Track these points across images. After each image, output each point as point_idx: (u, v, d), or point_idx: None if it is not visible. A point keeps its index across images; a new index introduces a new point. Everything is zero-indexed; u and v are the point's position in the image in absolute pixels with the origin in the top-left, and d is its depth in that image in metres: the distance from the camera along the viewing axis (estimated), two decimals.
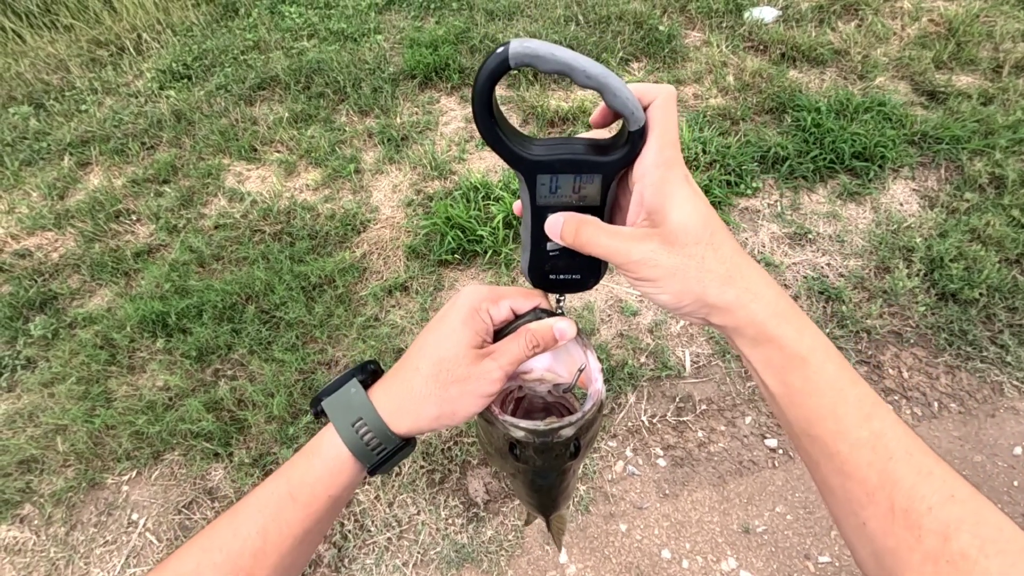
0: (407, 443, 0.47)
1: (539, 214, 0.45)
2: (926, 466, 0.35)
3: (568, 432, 0.45)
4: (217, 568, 0.43)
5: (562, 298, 0.51)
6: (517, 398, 0.51)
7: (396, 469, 1.85)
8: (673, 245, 0.40)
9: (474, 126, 2.51)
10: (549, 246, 0.46)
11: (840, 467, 0.37)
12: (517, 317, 0.49)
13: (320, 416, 0.47)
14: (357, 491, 1.81)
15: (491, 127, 0.41)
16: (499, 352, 0.46)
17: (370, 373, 0.49)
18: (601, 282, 2.23)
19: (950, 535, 0.33)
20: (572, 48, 0.41)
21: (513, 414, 0.48)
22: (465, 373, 0.45)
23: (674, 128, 0.41)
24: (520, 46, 0.38)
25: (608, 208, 0.45)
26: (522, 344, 0.46)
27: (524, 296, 0.49)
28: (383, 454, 0.46)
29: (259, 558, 0.43)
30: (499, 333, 0.49)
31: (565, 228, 0.43)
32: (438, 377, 0.45)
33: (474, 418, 0.48)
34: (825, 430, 0.38)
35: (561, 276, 0.48)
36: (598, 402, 0.46)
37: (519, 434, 0.45)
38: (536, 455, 0.46)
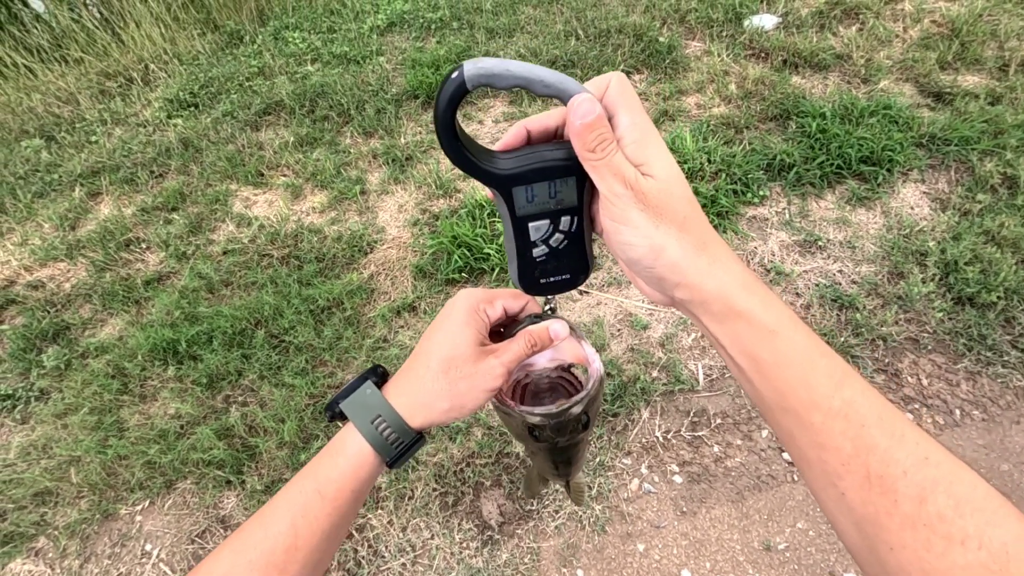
0: (421, 436, 0.51)
1: (520, 224, 0.45)
2: (898, 430, 0.36)
3: (577, 409, 0.50)
4: (251, 565, 0.45)
5: (552, 298, 0.54)
6: (524, 384, 0.56)
7: (409, 492, 1.83)
8: (659, 203, 0.40)
9: (478, 139, 2.49)
10: (535, 252, 0.47)
11: (815, 439, 0.37)
12: (514, 320, 0.54)
13: (335, 419, 0.52)
14: (370, 516, 1.80)
15: (459, 151, 0.41)
16: (502, 351, 0.50)
17: (380, 375, 0.54)
18: (611, 296, 2.22)
19: (926, 497, 0.33)
20: (557, 64, 0.42)
21: (522, 398, 0.54)
22: (472, 370, 0.49)
23: (638, 102, 0.41)
24: (474, 67, 0.38)
25: (586, 207, 0.45)
26: (523, 344, 0.51)
27: (514, 296, 0.54)
28: (401, 447, 0.50)
29: (291, 553, 0.46)
30: (494, 333, 0.54)
31: (589, 138, 0.40)
32: (448, 374, 0.49)
33: (480, 410, 0.52)
34: (798, 401, 0.37)
35: (551, 279, 0.49)
36: (599, 379, 0.51)
37: (535, 419, 0.50)
38: (553, 433, 0.52)
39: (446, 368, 0.49)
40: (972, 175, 2.47)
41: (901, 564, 0.34)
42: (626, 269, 0.45)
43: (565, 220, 0.45)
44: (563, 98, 0.40)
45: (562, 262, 0.48)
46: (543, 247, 0.47)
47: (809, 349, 0.38)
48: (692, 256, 0.40)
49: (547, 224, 0.46)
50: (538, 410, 0.50)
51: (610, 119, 0.40)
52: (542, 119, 0.44)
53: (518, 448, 1.88)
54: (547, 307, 0.56)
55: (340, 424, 0.51)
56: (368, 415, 0.50)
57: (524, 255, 0.47)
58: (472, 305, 0.52)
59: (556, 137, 0.45)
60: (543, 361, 0.54)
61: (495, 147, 0.44)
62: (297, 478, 0.49)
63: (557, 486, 0.81)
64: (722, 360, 1.97)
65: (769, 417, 0.40)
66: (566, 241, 0.47)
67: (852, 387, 0.37)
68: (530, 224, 0.45)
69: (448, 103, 0.39)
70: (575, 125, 0.39)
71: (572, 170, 0.43)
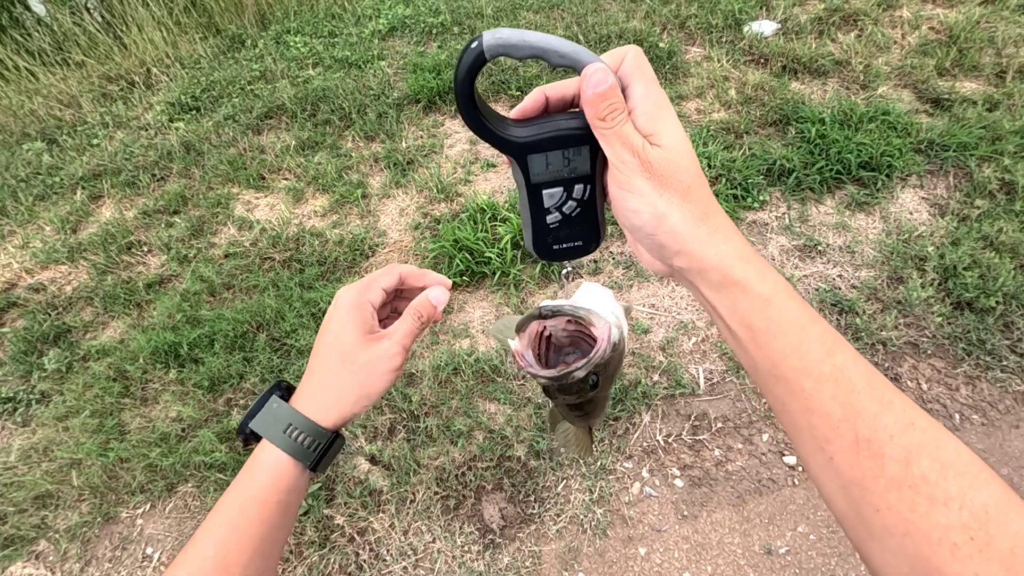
0: (338, 435, 0.53)
1: (535, 192, 0.47)
2: (887, 396, 0.37)
3: (579, 374, 0.51)
4: None
5: (569, 265, 0.56)
6: (546, 337, 0.57)
7: (410, 496, 1.83)
8: (665, 172, 0.41)
9: (479, 144, 2.50)
10: (549, 219, 0.49)
11: (806, 404, 0.38)
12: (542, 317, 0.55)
13: (250, 440, 0.53)
14: (371, 520, 1.80)
15: (477, 119, 0.43)
16: (392, 330, 0.53)
17: (285, 389, 0.55)
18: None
19: (911, 460, 0.34)
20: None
21: (546, 351, 0.56)
22: (368, 357, 0.52)
23: (653, 75, 0.42)
24: (492, 38, 0.39)
25: (599, 176, 0.47)
26: (411, 320, 0.54)
27: (386, 274, 0.56)
28: (319, 449, 0.51)
29: (224, 572, 0.47)
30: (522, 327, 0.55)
31: (601, 107, 0.41)
32: (345, 367, 0.52)
33: (389, 390, 0.53)
34: (790, 368, 0.38)
35: (564, 245, 0.51)
36: (606, 347, 0.52)
37: (542, 381, 0.53)
38: (561, 393, 0.55)
39: (342, 362, 0.51)
40: (970, 180, 2.49)
41: (886, 525, 0.35)
42: (630, 237, 0.47)
43: (578, 188, 0.47)
44: (577, 68, 0.41)
45: (575, 229, 0.49)
46: (556, 214, 0.48)
47: (801, 318, 0.39)
48: (693, 225, 0.41)
49: (561, 192, 0.47)
50: (542, 372, 0.52)
51: (624, 90, 0.42)
52: (560, 87, 0.45)
53: (520, 452, 1.88)
54: (564, 272, 0.58)
55: (254, 445, 0.52)
56: (279, 426, 0.51)
57: (538, 221, 0.49)
58: (350, 299, 0.54)
59: (572, 106, 0.46)
60: (555, 321, 0.56)
61: (513, 113, 0.45)
62: (223, 498, 0.50)
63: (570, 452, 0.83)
64: (722, 364, 1.98)
65: (763, 385, 0.41)
66: (579, 209, 0.48)
67: (843, 354, 0.38)
68: (544, 191, 0.47)
69: (467, 72, 0.40)
70: (587, 94, 0.41)
71: (586, 139, 0.44)
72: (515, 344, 0.54)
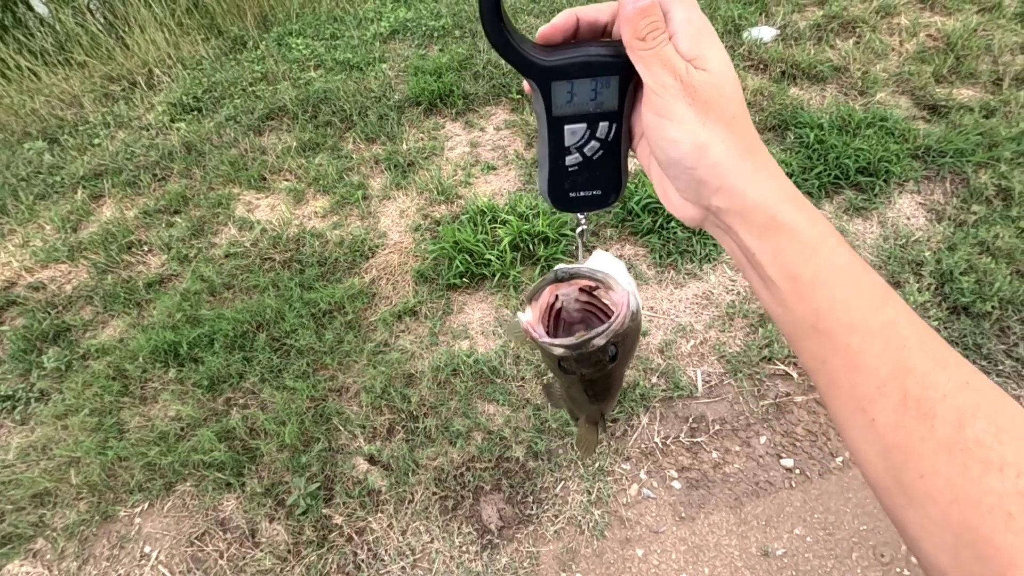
0: None
1: (556, 127, 0.43)
2: (940, 353, 0.34)
3: (599, 341, 0.47)
4: None
5: (584, 217, 0.52)
6: (556, 310, 0.54)
7: (409, 496, 1.83)
8: (709, 99, 0.37)
9: (479, 146, 2.50)
10: (568, 160, 0.45)
11: (850, 361, 0.35)
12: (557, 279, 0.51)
13: None
14: (370, 520, 1.80)
15: (503, 36, 0.39)
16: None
17: None
18: None
19: (965, 422, 0.32)
20: None
21: (555, 327, 0.53)
22: None
23: (694, 0, 0.39)
24: None
25: (626, 116, 0.43)
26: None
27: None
28: None
29: None
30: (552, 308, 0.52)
31: (641, 24, 0.38)
32: None
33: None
34: (836, 323, 0.35)
35: (581, 193, 0.47)
36: (625, 315, 0.48)
37: (558, 351, 0.48)
38: (578, 365, 0.50)
39: None
40: (967, 186, 2.51)
41: (930, 492, 0.32)
42: (659, 179, 0.43)
43: (603, 126, 0.44)
44: None
45: (595, 175, 0.46)
46: (577, 155, 0.45)
47: (852, 267, 0.36)
48: (737, 159, 0.37)
49: (584, 128, 0.44)
50: (558, 341, 0.49)
51: (664, 15, 0.38)
52: (593, 11, 0.41)
53: (519, 452, 1.89)
54: (578, 228, 0.54)
55: None
56: None
57: (556, 162, 0.45)
58: None
59: (604, 35, 0.43)
60: (569, 289, 0.53)
61: (540, 32, 0.42)
62: None
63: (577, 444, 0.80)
64: (720, 367, 1.98)
65: (799, 340, 0.38)
66: (601, 151, 0.45)
67: (894, 308, 0.35)
68: (566, 127, 0.44)
69: None
70: (627, 9, 0.37)
71: (617, 69, 0.41)
72: (526, 316, 0.51)
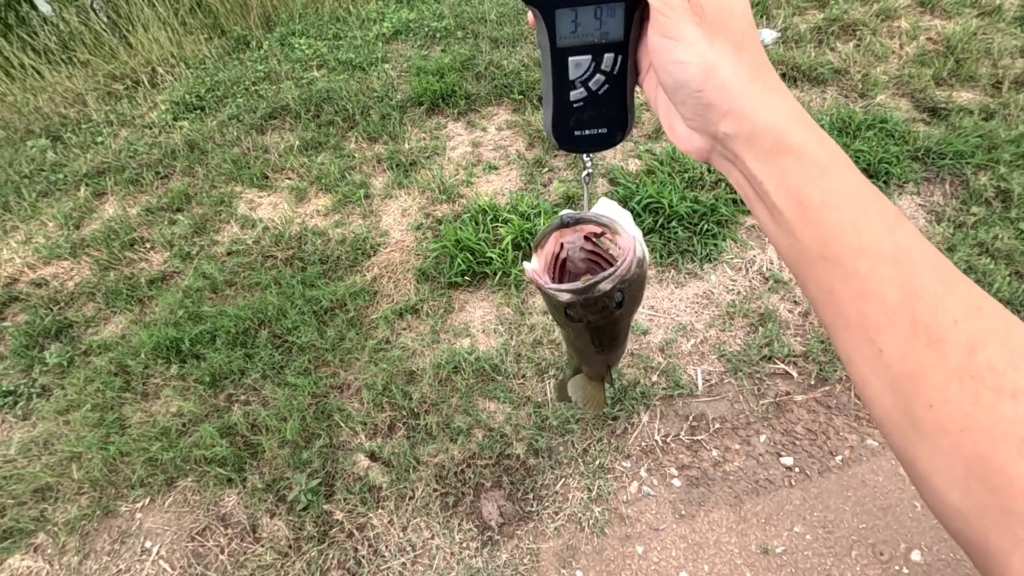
0: None
1: (560, 58, 0.43)
2: (951, 278, 0.32)
3: (606, 286, 0.47)
4: None
5: (590, 158, 0.51)
6: (562, 260, 0.54)
7: (409, 492, 1.84)
8: (718, 18, 0.36)
9: (481, 146, 2.51)
10: (573, 95, 0.44)
11: (858, 289, 0.34)
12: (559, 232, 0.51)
13: None
14: (371, 516, 1.81)
15: None
16: None
17: None
18: None
19: (976, 348, 0.30)
20: None
21: (560, 278, 0.52)
22: None
23: None
24: None
25: (632, 48, 0.42)
26: None
27: None
28: None
29: None
30: (558, 259, 0.52)
31: None
32: None
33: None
34: (844, 248, 0.34)
35: (587, 131, 0.46)
36: (631, 260, 0.48)
37: (565, 297, 0.48)
38: (584, 310, 0.49)
39: None
40: (967, 188, 2.52)
41: (940, 422, 0.31)
42: (665, 110, 0.42)
43: (608, 58, 0.42)
44: None
45: (600, 111, 0.45)
46: (582, 89, 0.44)
47: (862, 190, 0.35)
48: (746, 80, 0.36)
49: (589, 61, 0.43)
50: (565, 286, 0.48)
51: None
52: None
53: (519, 450, 1.89)
54: (584, 174, 0.53)
55: None
56: None
57: (561, 97, 0.44)
58: None
59: None
60: (575, 237, 0.52)
61: None
62: None
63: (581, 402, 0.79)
64: (720, 366, 1.99)
65: (806, 271, 0.37)
66: (607, 85, 0.44)
67: (905, 232, 0.34)
68: (571, 58, 0.43)
69: None
70: None
71: None
72: (531, 264, 0.50)
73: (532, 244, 0.52)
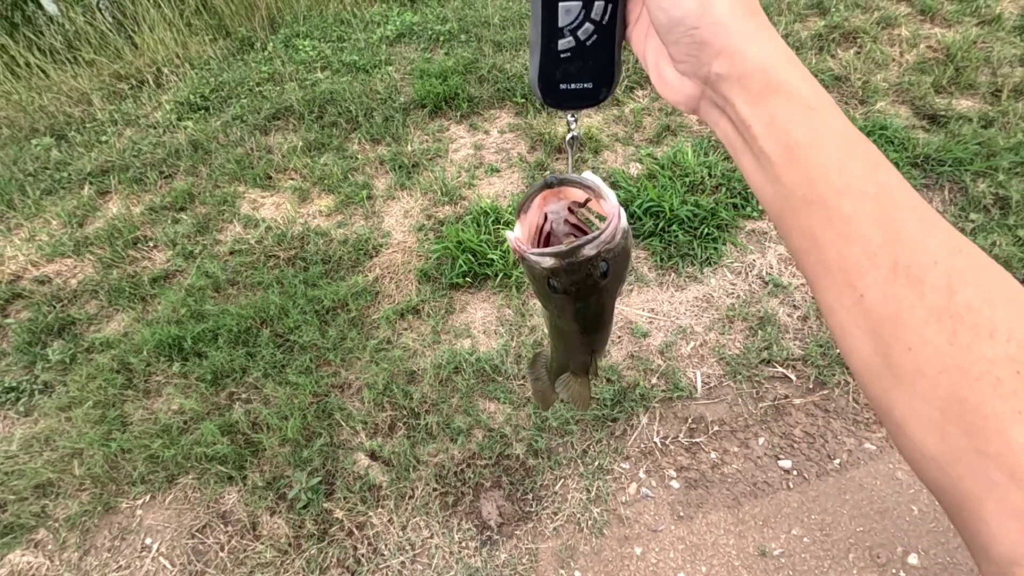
0: None
1: (550, 4, 0.42)
2: (932, 221, 0.33)
3: (589, 251, 0.46)
4: None
5: (575, 117, 0.51)
6: (546, 234, 0.53)
7: (409, 492, 1.85)
8: None
9: (483, 149, 2.53)
10: (561, 44, 0.44)
11: (841, 231, 0.33)
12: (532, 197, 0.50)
13: None
14: (370, 514, 1.81)
15: None
16: None
17: None
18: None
19: (956, 288, 0.30)
20: None
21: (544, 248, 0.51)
22: None
23: None
24: None
25: (622, 1, 0.43)
26: None
27: None
28: None
29: None
30: (542, 231, 0.51)
31: None
32: None
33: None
34: (829, 188, 0.34)
35: (572, 85, 0.46)
36: (615, 226, 0.47)
37: (548, 262, 0.47)
38: (567, 277, 0.48)
39: None
40: (965, 195, 2.53)
41: (919, 364, 0.31)
42: (655, 61, 0.42)
43: (598, 7, 0.43)
44: None
45: (587, 64, 0.45)
46: (570, 39, 0.44)
47: (846, 130, 0.35)
48: (741, 18, 0.36)
49: (579, 8, 0.43)
50: (548, 250, 0.47)
51: None
52: None
53: (519, 450, 1.90)
54: (569, 136, 0.53)
55: None
56: None
57: (548, 46, 0.44)
58: None
59: None
60: (559, 207, 0.52)
61: None
62: None
63: (562, 392, 0.77)
64: (720, 369, 2.00)
65: (790, 217, 0.36)
66: (595, 36, 0.44)
67: (887, 172, 0.34)
68: (560, 4, 0.42)
69: None
70: None
71: None
72: (514, 232, 0.50)
73: (516, 208, 0.51)
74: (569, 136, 0.54)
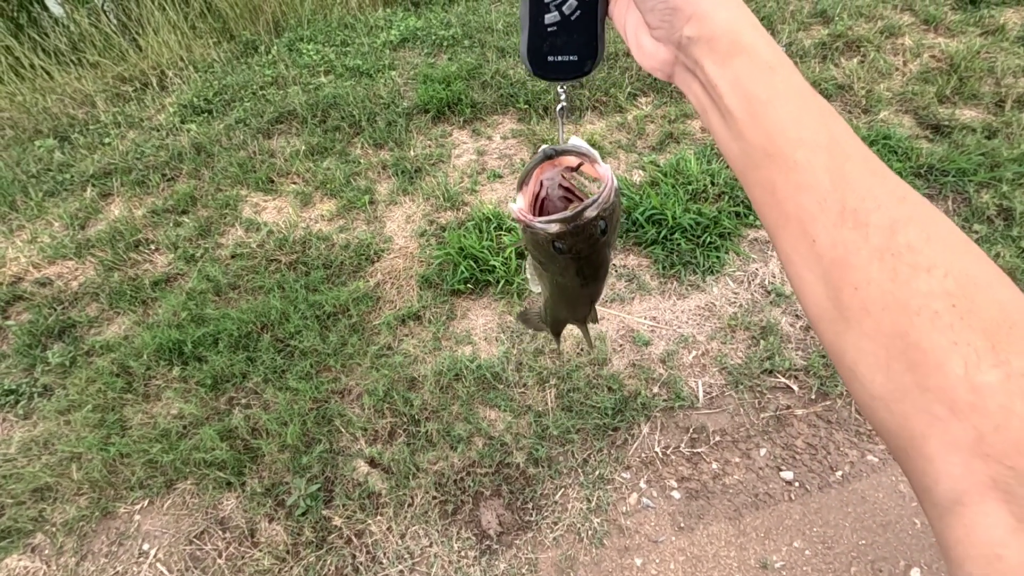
0: None
1: None
2: (880, 170, 0.35)
3: (591, 213, 0.50)
4: None
5: (563, 89, 0.55)
6: (541, 201, 0.57)
7: (408, 500, 1.84)
8: None
9: (486, 154, 2.53)
10: (547, 19, 0.47)
11: (796, 180, 0.36)
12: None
13: None
14: (369, 522, 1.80)
15: None
16: None
17: None
18: (613, 312, 2.25)
19: (897, 229, 0.32)
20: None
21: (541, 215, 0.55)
22: None
23: None
24: None
25: None
26: None
27: None
28: None
29: None
30: (538, 197, 0.56)
31: None
32: None
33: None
34: (786, 141, 0.37)
35: (559, 58, 0.49)
36: (611, 188, 0.51)
37: (554, 228, 0.51)
38: (573, 239, 0.52)
39: None
40: (969, 206, 2.53)
41: (864, 303, 0.33)
42: (633, 31, 0.45)
43: None
44: None
45: (572, 38, 0.48)
46: (555, 13, 0.47)
47: (803, 89, 0.38)
48: None
49: None
50: (554, 216, 0.51)
51: None
52: None
53: (519, 459, 1.89)
54: (559, 107, 0.57)
55: None
56: None
57: (536, 20, 0.48)
58: None
59: None
60: (553, 173, 0.56)
61: None
62: None
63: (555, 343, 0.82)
64: (721, 379, 1.99)
65: (752, 175, 0.39)
66: (579, 11, 0.47)
67: (840, 126, 0.37)
68: None
69: None
70: None
71: None
72: (517, 204, 0.53)
73: (517, 182, 0.55)
74: (559, 107, 0.58)
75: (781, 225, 0.38)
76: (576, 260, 0.56)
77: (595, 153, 0.53)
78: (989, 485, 0.28)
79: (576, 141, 0.54)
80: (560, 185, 0.56)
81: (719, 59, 0.39)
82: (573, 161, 0.54)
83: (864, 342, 0.33)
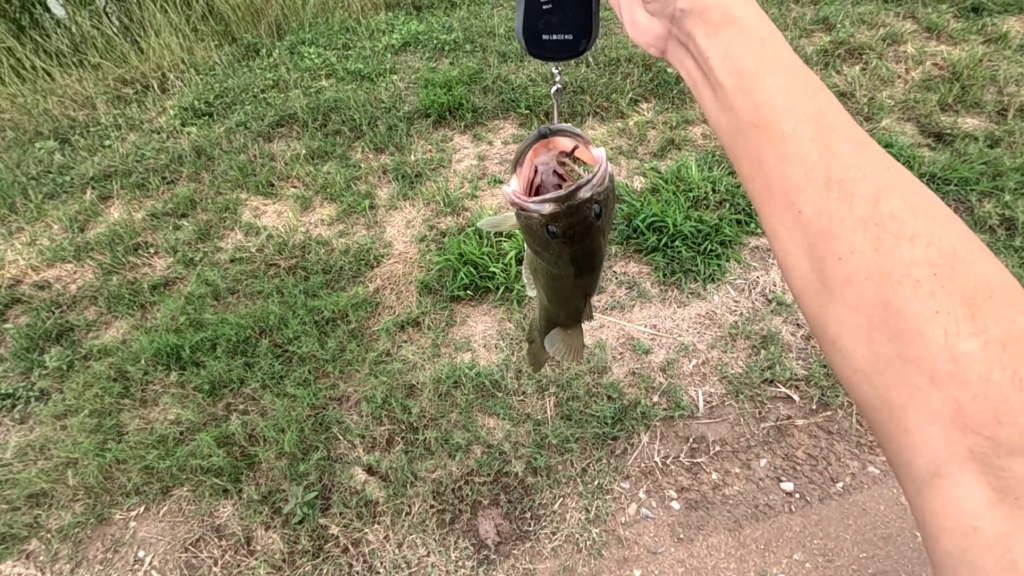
0: None
1: None
2: (864, 141, 0.35)
3: (585, 193, 0.50)
4: None
5: (559, 68, 0.55)
6: (537, 185, 0.56)
7: (406, 508, 1.82)
8: None
9: (487, 159, 2.52)
10: None
11: (783, 151, 0.36)
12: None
13: None
14: (366, 531, 1.79)
15: None
16: None
17: None
18: (614, 320, 2.24)
19: (880, 199, 0.33)
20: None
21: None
22: None
23: None
24: None
25: None
26: None
27: None
28: None
29: None
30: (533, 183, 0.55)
31: None
32: None
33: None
34: (773, 111, 0.37)
35: (554, 36, 0.49)
36: (605, 169, 0.51)
37: (548, 208, 0.50)
38: (566, 219, 0.51)
39: None
40: (971, 215, 2.52)
41: (847, 273, 0.33)
42: (627, 7, 0.46)
43: None
44: None
45: (567, 16, 0.48)
46: None
47: (793, 61, 0.38)
48: None
49: None
50: (548, 196, 0.51)
51: None
52: None
53: (518, 468, 1.88)
54: (554, 89, 0.57)
55: None
56: None
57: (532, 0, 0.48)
58: None
59: None
60: (548, 158, 0.56)
61: None
62: None
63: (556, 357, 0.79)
64: (722, 388, 1.98)
65: (740, 147, 0.39)
66: None
67: (827, 97, 0.37)
68: None
69: None
70: None
71: None
72: (511, 187, 0.53)
73: (511, 162, 0.55)
74: (554, 89, 0.57)
75: (767, 199, 0.38)
76: (570, 245, 0.55)
77: (588, 138, 0.53)
78: (967, 456, 0.28)
79: (570, 127, 0.54)
80: (555, 172, 0.56)
81: (710, 30, 0.40)
82: (567, 144, 0.53)
83: (847, 313, 0.33)
